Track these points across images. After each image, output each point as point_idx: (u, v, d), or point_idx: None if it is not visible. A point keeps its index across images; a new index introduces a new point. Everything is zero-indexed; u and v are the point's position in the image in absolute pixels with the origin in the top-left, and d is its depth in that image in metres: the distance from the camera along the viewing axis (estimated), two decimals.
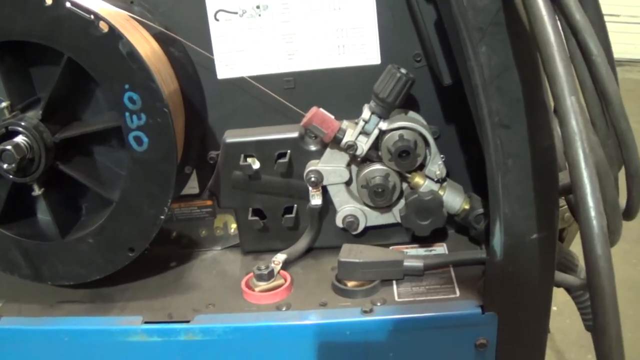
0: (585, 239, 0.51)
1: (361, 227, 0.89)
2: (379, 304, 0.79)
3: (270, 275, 0.83)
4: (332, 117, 0.84)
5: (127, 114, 0.77)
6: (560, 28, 0.55)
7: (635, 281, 2.41)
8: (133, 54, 0.75)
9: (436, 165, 0.85)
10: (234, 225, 0.96)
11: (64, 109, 0.83)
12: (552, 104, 0.56)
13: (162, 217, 0.81)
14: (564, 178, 0.69)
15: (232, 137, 0.88)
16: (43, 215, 0.88)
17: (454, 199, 0.86)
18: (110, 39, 0.74)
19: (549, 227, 0.69)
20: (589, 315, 0.89)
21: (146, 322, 0.79)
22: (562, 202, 0.80)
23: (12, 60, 0.81)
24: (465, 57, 0.65)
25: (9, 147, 0.76)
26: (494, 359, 0.77)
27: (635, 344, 1.87)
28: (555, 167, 0.67)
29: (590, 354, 0.88)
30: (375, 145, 0.84)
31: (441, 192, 0.85)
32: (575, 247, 0.73)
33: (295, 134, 0.87)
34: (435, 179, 0.86)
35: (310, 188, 0.87)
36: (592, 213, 0.51)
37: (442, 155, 0.86)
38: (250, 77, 0.89)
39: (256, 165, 0.87)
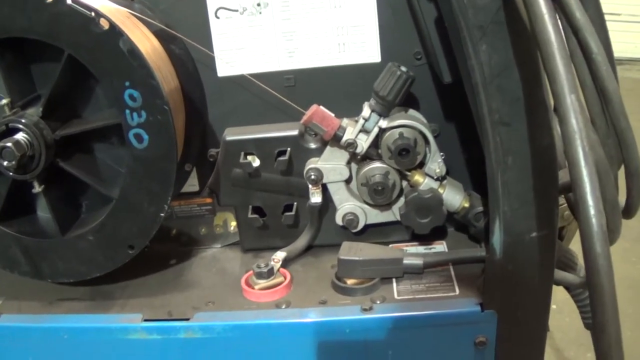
0: (584, 237, 0.52)
1: (361, 225, 0.89)
2: (378, 301, 0.79)
3: (270, 273, 0.83)
4: (332, 115, 0.84)
5: (127, 111, 0.77)
6: (560, 27, 0.55)
7: (634, 279, 2.42)
8: (133, 51, 0.75)
9: (436, 163, 0.85)
10: (233, 223, 0.96)
11: (64, 106, 0.83)
12: (552, 102, 0.56)
13: (162, 214, 0.81)
14: (563, 176, 0.69)
15: (232, 134, 0.88)
16: (43, 212, 0.88)
17: (454, 197, 0.86)
18: (111, 36, 0.74)
19: (548, 225, 0.69)
20: (588, 313, 0.89)
21: (146, 320, 0.79)
22: (561, 200, 0.80)
23: (13, 57, 0.81)
24: (465, 56, 0.65)
25: (9, 144, 0.76)
26: (493, 357, 0.77)
27: (635, 343, 1.87)
28: (555, 165, 0.67)
29: (590, 352, 0.89)
30: (375, 143, 0.84)
31: (441, 190, 0.85)
32: (575, 246, 0.73)
33: (295, 132, 0.87)
34: (435, 177, 0.86)
35: (310, 186, 0.87)
36: (592, 211, 0.51)
37: (442, 153, 0.86)
38: (251, 75, 0.89)
39: (256, 162, 0.87)
